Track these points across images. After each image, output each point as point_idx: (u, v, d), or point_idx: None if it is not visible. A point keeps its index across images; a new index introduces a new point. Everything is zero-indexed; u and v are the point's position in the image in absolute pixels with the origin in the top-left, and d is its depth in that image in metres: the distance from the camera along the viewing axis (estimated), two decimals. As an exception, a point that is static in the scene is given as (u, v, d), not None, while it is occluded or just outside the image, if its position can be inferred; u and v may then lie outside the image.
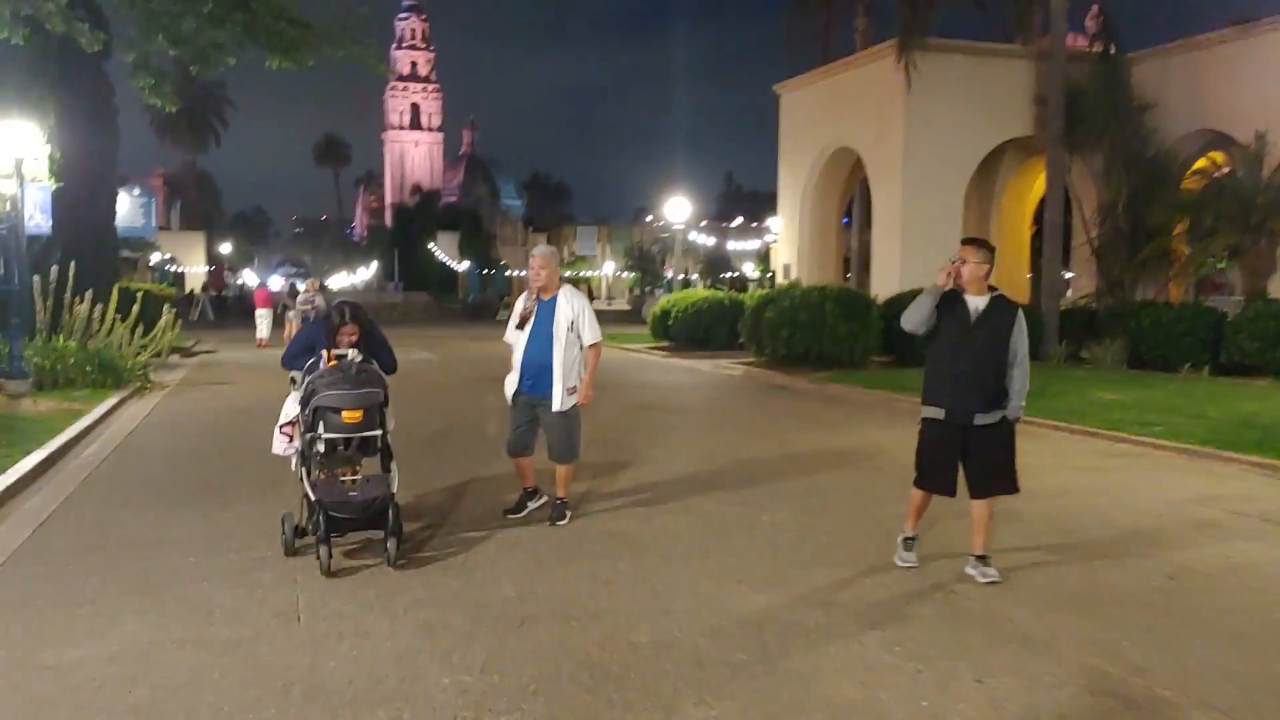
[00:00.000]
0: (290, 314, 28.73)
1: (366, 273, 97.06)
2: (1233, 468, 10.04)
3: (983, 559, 6.07)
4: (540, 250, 7.44)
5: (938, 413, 6.07)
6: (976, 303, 6.03)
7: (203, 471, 9.71)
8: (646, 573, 6.18)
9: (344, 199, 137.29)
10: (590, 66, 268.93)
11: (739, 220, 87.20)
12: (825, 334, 19.32)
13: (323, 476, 6.43)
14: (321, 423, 6.26)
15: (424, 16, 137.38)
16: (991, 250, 6.17)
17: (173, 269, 58.07)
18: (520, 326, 7.30)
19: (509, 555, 6.55)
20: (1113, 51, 22.78)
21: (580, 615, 5.37)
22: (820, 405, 15.56)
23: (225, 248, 77.30)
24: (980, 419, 5.98)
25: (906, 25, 21.42)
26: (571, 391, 7.24)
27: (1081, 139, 21.96)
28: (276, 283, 39.05)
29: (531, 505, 7.56)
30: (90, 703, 4.26)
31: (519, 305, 7.39)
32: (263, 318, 28.85)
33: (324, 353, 6.53)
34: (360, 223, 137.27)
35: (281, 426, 6.78)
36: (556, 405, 7.18)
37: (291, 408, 6.72)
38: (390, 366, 6.81)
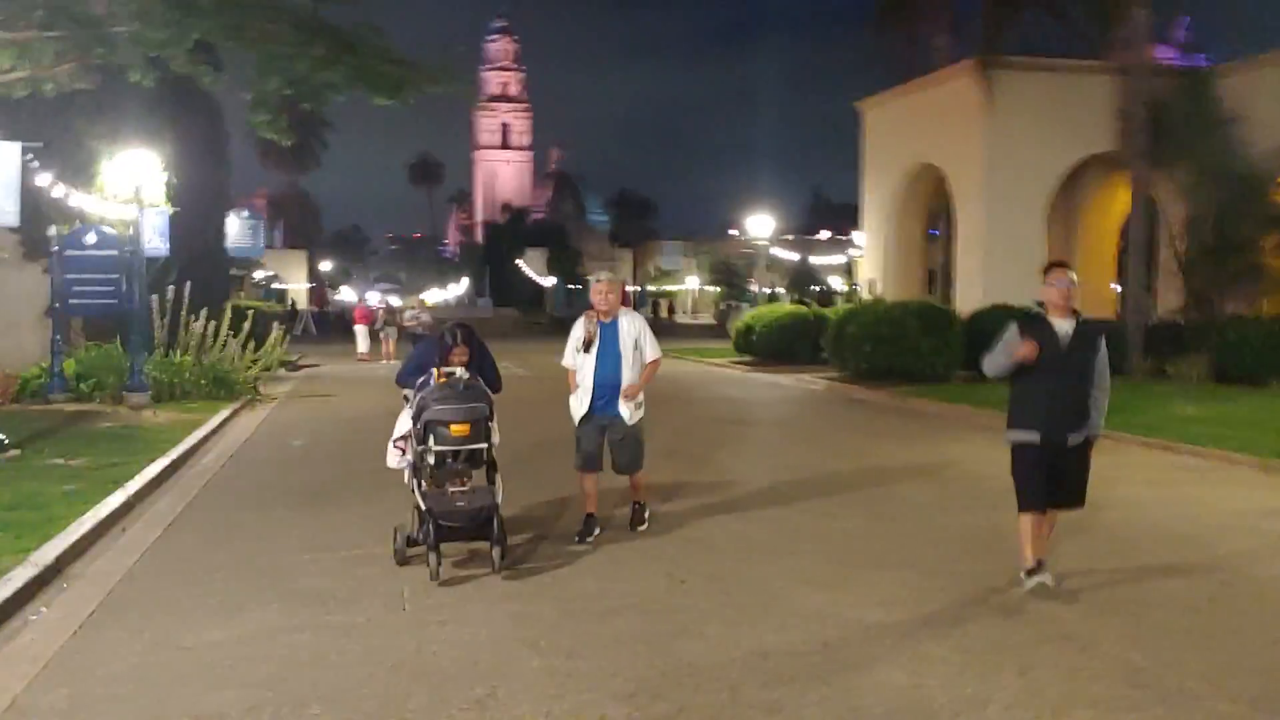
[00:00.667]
0: (385, 330, 29.82)
1: (458, 288, 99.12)
2: (1264, 477, 10.15)
3: (1038, 567, 6.24)
4: (604, 276, 7.84)
5: (1033, 436, 6.18)
6: (1064, 326, 6.17)
7: (313, 477, 10.47)
8: (720, 573, 6.66)
9: (437, 217, 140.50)
10: (677, 83, 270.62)
11: (825, 234, 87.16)
12: (907, 349, 19.56)
13: (433, 488, 6.77)
14: (432, 436, 6.64)
15: (514, 38, 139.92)
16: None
17: (276, 286, 60.26)
18: (585, 350, 7.56)
19: (592, 556, 7.07)
20: (1198, 64, 22.58)
21: (656, 609, 5.88)
22: (899, 419, 15.84)
23: (325, 265, 79.83)
24: (1072, 440, 6.16)
25: (986, 45, 21.58)
26: (639, 406, 7.62)
27: (1166, 154, 21.80)
28: (375, 299, 40.45)
29: (597, 531, 7.63)
30: (226, 677, 4.90)
31: (579, 330, 7.65)
32: (362, 333, 29.99)
33: (434, 370, 6.90)
34: (452, 240, 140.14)
35: (395, 441, 7.14)
36: (629, 419, 7.55)
37: (405, 423, 7.07)
38: (496, 385, 7.16)
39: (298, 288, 65.36)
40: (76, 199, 16.57)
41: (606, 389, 7.55)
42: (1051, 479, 6.19)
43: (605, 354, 7.55)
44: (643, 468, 7.84)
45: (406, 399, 7.16)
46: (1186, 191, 22.42)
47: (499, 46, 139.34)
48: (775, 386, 21.88)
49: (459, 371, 6.88)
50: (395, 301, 41.55)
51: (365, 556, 7.08)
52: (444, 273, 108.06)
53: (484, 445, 6.79)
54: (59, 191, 15.46)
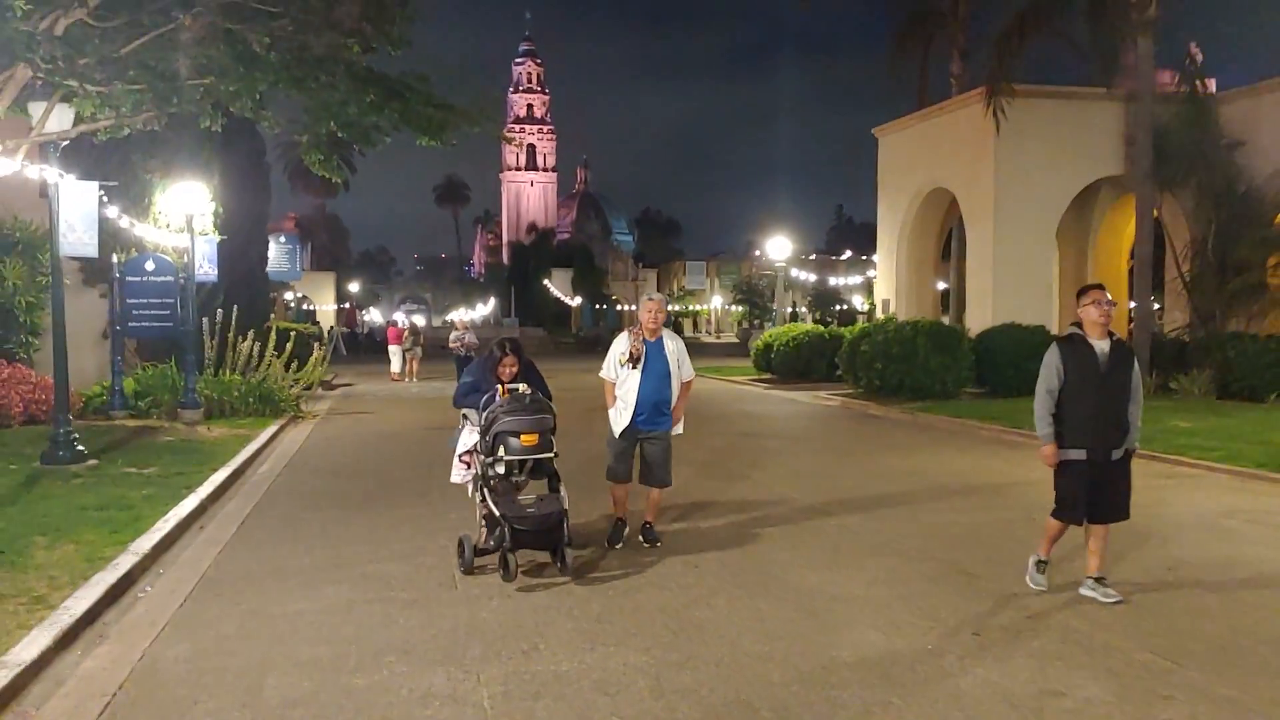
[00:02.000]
0: (413, 349, 30.86)
1: (484, 308, 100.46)
2: (1275, 487, 10.98)
3: (1101, 580, 6.57)
4: (656, 296, 8.28)
5: (1080, 454, 6.46)
6: (1101, 346, 6.46)
7: (362, 484, 11.50)
8: (729, 559, 7.63)
9: (463, 237, 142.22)
10: (702, 102, 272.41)
11: (848, 253, 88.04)
12: (918, 366, 20.43)
13: (504, 496, 7.12)
14: (502, 447, 7.07)
15: (539, 61, 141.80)
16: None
17: (306, 307, 61.65)
18: (633, 365, 7.87)
19: (620, 551, 8.00)
20: (1199, 92, 23.40)
21: (671, 586, 6.86)
22: (908, 433, 16.72)
23: (354, 286, 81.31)
24: (1114, 455, 6.47)
25: (993, 74, 22.48)
26: (677, 420, 8.12)
27: (1171, 177, 22.63)
28: (400, 319, 41.61)
29: (624, 534, 8.10)
30: (315, 636, 5.91)
31: (622, 345, 7.98)
32: (395, 353, 31.12)
33: (499, 387, 7.36)
34: (478, 260, 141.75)
35: (460, 455, 7.59)
36: (677, 430, 8.08)
37: (468, 438, 7.51)
38: (546, 397, 7.52)
39: (327, 309, 66.75)
40: (134, 228, 17.77)
41: (649, 403, 7.88)
42: (1097, 493, 6.50)
43: (651, 371, 7.89)
44: (670, 483, 8.18)
45: (465, 418, 7.60)
46: (1190, 214, 23.25)
47: (524, 69, 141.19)
48: (792, 403, 22.79)
49: (522, 386, 7.35)
50: (420, 321, 42.73)
51: (416, 547, 8.09)
52: (470, 293, 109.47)
53: (551, 454, 7.23)
54: (123, 223, 16.63)
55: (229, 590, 6.94)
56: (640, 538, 8.08)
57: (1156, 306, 26.41)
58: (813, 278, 67.31)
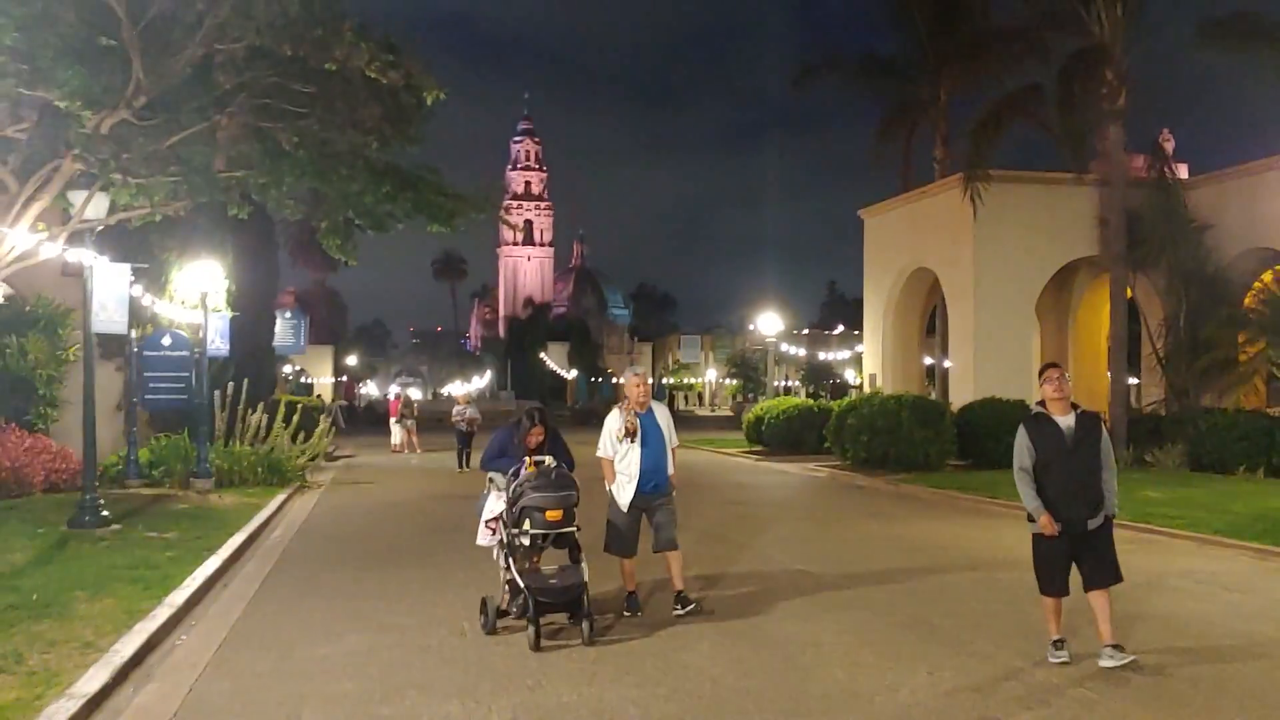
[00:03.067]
0: (406, 423, 31.41)
1: (480, 381, 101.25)
2: (1230, 552, 11.72)
3: (1117, 646, 6.65)
4: (640, 370, 8.72)
5: (1070, 523, 6.65)
6: (1066, 421, 6.73)
7: (371, 547, 12.22)
8: (717, 610, 8.33)
9: (460, 311, 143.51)
10: (697, 180, 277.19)
11: (840, 328, 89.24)
12: (901, 439, 21.20)
13: (528, 566, 7.46)
14: (527, 520, 7.38)
15: (537, 140, 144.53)
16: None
17: (304, 380, 62.48)
18: (631, 439, 8.12)
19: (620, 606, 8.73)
20: (1168, 177, 24.57)
21: (661, 635, 7.58)
22: (891, 502, 17.44)
23: (351, 360, 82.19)
24: (1092, 524, 6.66)
25: (970, 161, 23.64)
26: (674, 487, 8.41)
27: (1143, 258, 23.67)
28: (394, 392, 42.51)
29: (638, 605, 8.31)
30: (342, 675, 6.62)
31: (615, 422, 8.24)
32: (396, 425, 31.85)
33: (526, 459, 7.66)
34: (474, 334, 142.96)
35: (486, 522, 7.89)
36: (673, 496, 8.37)
37: (494, 505, 7.79)
38: (570, 466, 7.86)
39: (325, 381, 67.58)
40: (153, 305, 18.65)
41: (652, 472, 8.17)
42: (1082, 562, 6.71)
43: (650, 441, 8.19)
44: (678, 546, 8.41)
45: (491, 480, 7.94)
46: (1163, 293, 24.27)
47: (522, 148, 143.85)
48: (782, 474, 23.52)
49: (548, 460, 7.66)
50: (415, 394, 43.79)
51: (428, 604, 8.80)
52: (465, 366, 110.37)
53: (574, 529, 7.54)
54: (144, 300, 17.50)
55: (259, 638, 7.65)
56: (677, 607, 8.15)
57: (1135, 382, 27.29)
58: (802, 352, 68.32)
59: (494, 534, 7.83)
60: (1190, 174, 26.38)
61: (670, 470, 8.35)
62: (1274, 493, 16.62)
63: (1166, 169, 24.77)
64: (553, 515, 7.40)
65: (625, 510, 8.21)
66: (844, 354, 65.75)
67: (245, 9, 9.15)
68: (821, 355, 71.24)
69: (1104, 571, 6.72)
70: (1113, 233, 23.14)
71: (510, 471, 7.72)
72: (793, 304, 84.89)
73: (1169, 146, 28.95)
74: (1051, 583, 6.78)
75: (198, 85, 9.88)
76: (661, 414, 8.46)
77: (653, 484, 8.21)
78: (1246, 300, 23.33)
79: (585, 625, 7.29)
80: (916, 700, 6.02)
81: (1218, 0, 27.43)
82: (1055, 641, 6.85)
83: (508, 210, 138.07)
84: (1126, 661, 6.56)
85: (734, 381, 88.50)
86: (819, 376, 76.78)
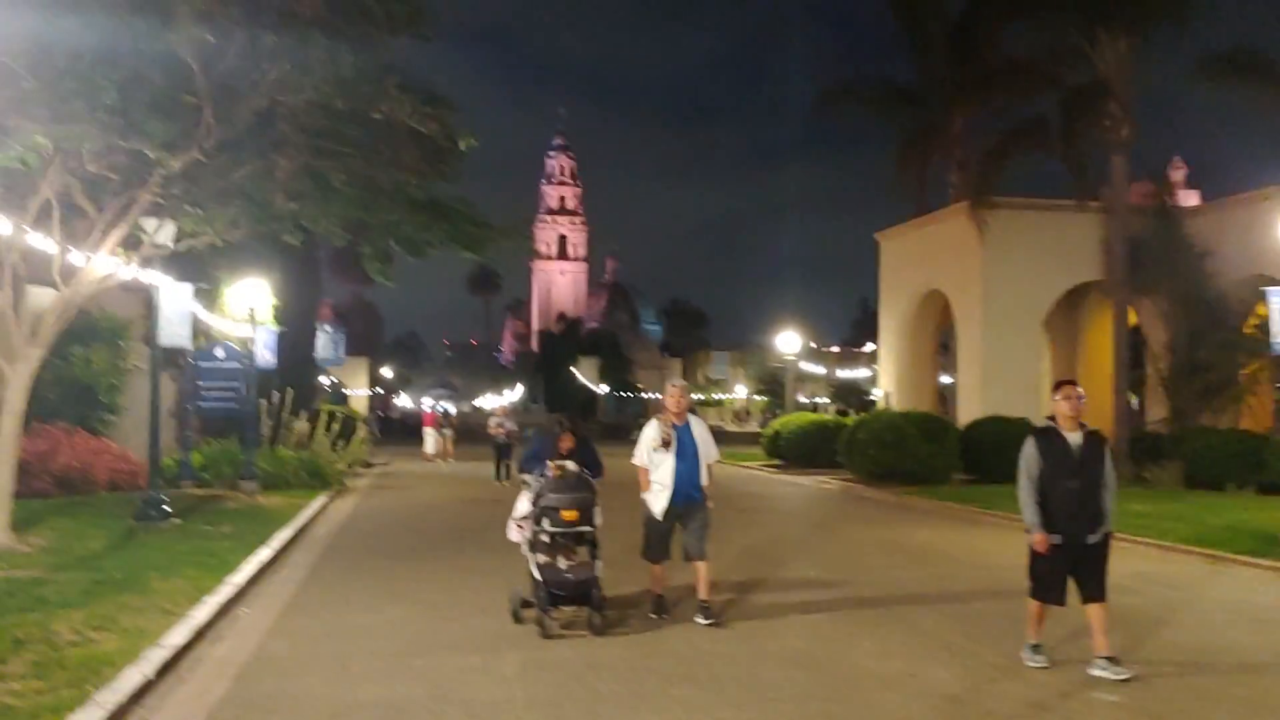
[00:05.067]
0: (445, 432, 33.08)
1: (512, 394, 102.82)
2: (1191, 559, 12.79)
3: (1112, 659, 6.85)
4: (680, 382, 9.02)
5: (1056, 539, 6.88)
6: (1074, 438, 6.93)
7: (407, 541, 13.59)
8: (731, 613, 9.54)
9: (493, 324, 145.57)
10: (731, 197, 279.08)
11: (870, 346, 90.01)
12: (908, 454, 22.31)
13: (547, 561, 8.07)
14: (546, 519, 8.06)
15: (571, 155, 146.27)
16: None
17: (343, 391, 64.19)
18: (666, 449, 8.50)
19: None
20: (1171, 205, 25.57)
21: (651, 617, 8.79)
22: (894, 513, 18.56)
23: (386, 371, 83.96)
24: (1090, 539, 6.90)
25: (977, 189, 24.78)
26: (708, 499, 8.73)
27: (1146, 283, 24.66)
28: (428, 404, 44.32)
29: (665, 607, 8.68)
30: (383, 637, 7.92)
31: (653, 431, 8.60)
32: (429, 434, 33.34)
33: (549, 463, 8.30)
34: (508, 347, 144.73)
35: (516, 520, 8.52)
36: (710, 504, 8.70)
37: (524, 505, 8.41)
38: (598, 470, 8.45)
39: (360, 393, 69.28)
40: (205, 318, 20.13)
41: (686, 484, 8.51)
42: (1078, 575, 6.94)
43: (684, 453, 8.52)
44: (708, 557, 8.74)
45: (526, 483, 8.53)
46: (1165, 316, 25.22)
47: (557, 163, 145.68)
48: (797, 486, 24.68)
49: (570, 465, 8.29)
50: (448, 406, 45.84)
51: (457, 585, 10.13)
52: (499, 379, 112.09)
53: (588, 528, 8.16)
54: (199, 314, 18.97)
55: (310, 610, 8.97)
56: (699, 617, 8.43)
57: (1138, 401, 28.17)
58: (834, 370, 69.31)
59: (522, 530, 8.46)
60: (1204, 199, 27.33)
61: (705, 482, 8.65)
62: (1254, 507, 17.53)
63: (1168, 197, 25.74)
64: (568, 515, 8.06)
65: (660, 518, 8.55)
66: (874, 370, 66.68)
67: (304, 67, 10.53)
68: (851, 371, 72.12)
69: (1093, 588, 6.94)
70: (1115, 259, 24.16)
71: (537, 473, 8.39)
72: (825, 320, 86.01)
73: (1179, 175, 29.95)
74: (1048, 591, 6.99)
75: (260, 130, 11.26)
76: (699, 427, 8.78)
77: (686, 494, 8.52)
78: (1245, 325, 24.24)
79: (596, 617, 7.95)
80: (882, 666, 7.22)
81: (1221, 33, 28.41)
82: (1033, 646, 7.15)
83: (541, 224, 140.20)
84: (1124, 677, 6.72)
85: (763, 398, 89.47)
86: (846, 393, 77.64)
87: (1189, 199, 29.69)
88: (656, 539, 8.63)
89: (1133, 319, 25.61)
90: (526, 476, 8.58)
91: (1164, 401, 25.66)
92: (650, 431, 8.66)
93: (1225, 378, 23.68)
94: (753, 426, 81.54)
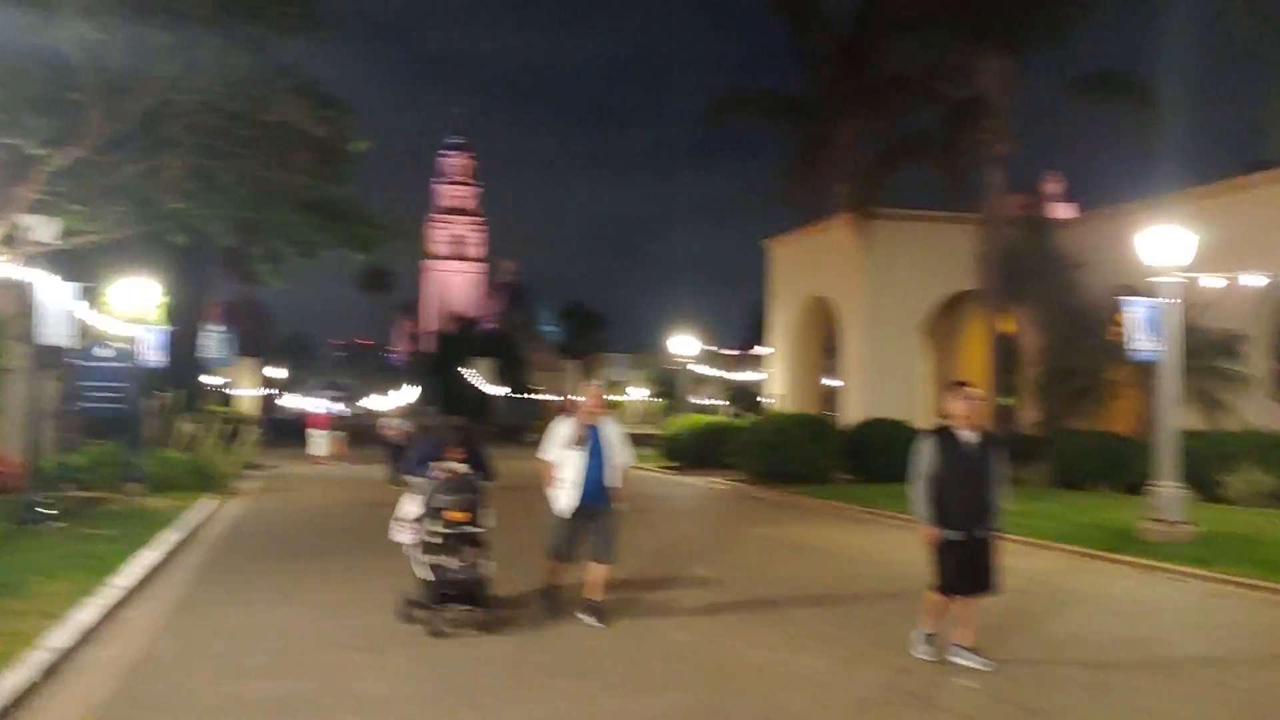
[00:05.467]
0: (337, 434, 32.83)
1: (405, 395, 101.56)
2: (1047, 553, 13.54)
3: (974, 650, 7.23)
4: (597, 384, 9.24)
5: (957, 534, 7.09)
6: (969, 437, 7.17)
7: (295, 544, 13.60)
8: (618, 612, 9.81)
9: (385, 324, 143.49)
10: (629, 201, 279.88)
11: (762, 349, 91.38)
12: (794, 454, 22.98)
13: (436, 561, 8.14)
14: (435, 520, 8.15)
15: (471, 154, 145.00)
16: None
17: (228, 391, 62.78)
18: (578, 447, 8.53)
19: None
20: (1042, 218, 26.84)
21: (538, 612, 9.05)
22: (779, 512, 19.13)
23: (275, 372, 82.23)
24: (983, 535, 7.16)
25: (860, 200, 25.67)
26: (620, 500, 8.78)
27: (1020, 292, 25.82)
28: (320, 406, 43.89)
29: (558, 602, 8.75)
30: (273, 635, 8.03)
31: (565, 428, 8.69)
32: (317, 436, 32.97)
33: (438, 465, 8.38)
34: (401, 347, 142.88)
35: (401, 521, 8.60)
36: (618, 511, 8.75)
37: (410, 507, 8.50)
38: (489, 474, 8.56)
39: (250, 394, 67.79)
40: (89, 317, 19.65)
41: (596, 483, 8.57)
42: (969, 570, 7.15)
43: (595, 453, 8.58)
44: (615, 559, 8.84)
45: (410, 484, 8.70)
46: (1037, 324, 26.42)
47: (453, 162, 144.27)
48: (690, 487, 25.19)
49: (458, 467, 8.37)
50: (339, 408, 45.43)
51: (344, 584, 10.25)
52: (391, 380, 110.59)
53: (477, 530, 8.28)
54: (82, 313, 18.54)
55: (199, 611, 9.01)
56: (587, 617, 8.56)
57: (1013, 404, 29.41)
58: (729, 372, 70.17)
59: (410, 532, 8.49)
60: (1083, 210, 28.66)
61: (615, 483, 8.71)
62: (1115, 506, 18.52)
63: (1039, 210, 26.99)
64: (457, 516, 8.19)
65: (567, 516, 8.63)
66: (766, 374, 67.81)
67: (194, 66, 10.53)
68: (746, 374, 73.14)
69: (985, 581, 7.19)
70: (989, 269, 25.24)
71: (424, 475, 8.49)
72: (722, 324, 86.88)
73: (1055, 189, 31.28)
74: (952, 583, 7.18)
75: (149, 129, 11.22)
76: (611, 428, 8.84)
77: (595, 494, 8.59)
78: (1109, 333, 25.53)
79: (484, 616, 8.14)
80: (728, 644, 7.61)
81: (1108, 53, 29.79)
82: (928, 635, 7.37)
83: (435, 223, 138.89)
84: (987, 668, 7.06)
85: (661, 400, 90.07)
86: (741, 395, 78.77)
87: (1066, 212, 31.10)
88: (563, 536, 8.69)
89: (1012, 326, 26.76)
90: (412, 478, 8.68)
91: (1037, 405, 26.86)
92: (561, 429, 8.75)
93: (1092, 382, 24.88)
94: (650, 429, 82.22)
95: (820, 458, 23.08)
